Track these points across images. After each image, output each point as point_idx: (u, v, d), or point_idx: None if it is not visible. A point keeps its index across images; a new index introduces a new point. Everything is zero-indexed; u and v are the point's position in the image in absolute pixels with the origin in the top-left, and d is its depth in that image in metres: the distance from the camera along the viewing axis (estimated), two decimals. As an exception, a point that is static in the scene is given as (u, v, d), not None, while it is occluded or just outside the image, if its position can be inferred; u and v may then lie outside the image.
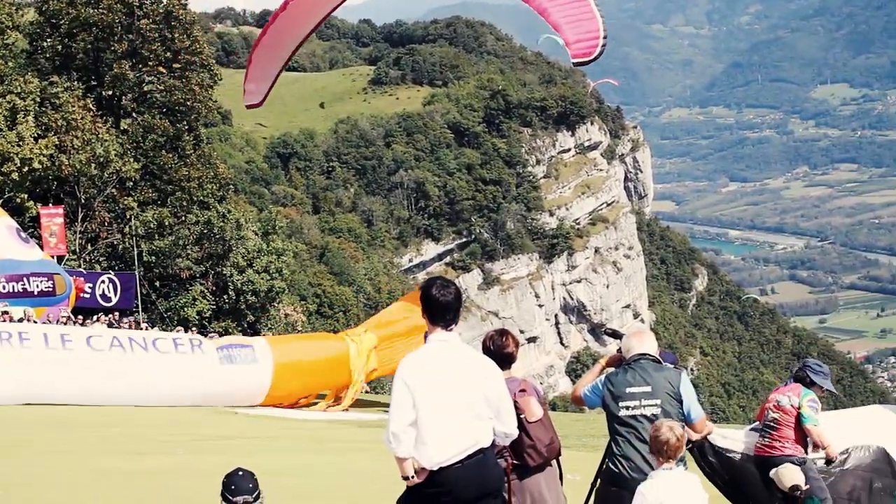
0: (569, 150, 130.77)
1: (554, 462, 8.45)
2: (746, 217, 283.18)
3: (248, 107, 14.34)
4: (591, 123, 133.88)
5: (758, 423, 10.40)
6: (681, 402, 8.42)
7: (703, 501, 7.64)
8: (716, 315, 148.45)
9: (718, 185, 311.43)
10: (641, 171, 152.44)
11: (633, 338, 8.82)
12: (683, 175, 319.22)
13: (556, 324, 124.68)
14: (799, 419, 9.88)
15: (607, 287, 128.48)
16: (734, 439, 10.75)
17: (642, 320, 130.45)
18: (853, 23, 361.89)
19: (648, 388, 8.39)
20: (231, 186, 48.12)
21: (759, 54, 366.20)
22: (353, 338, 27.04)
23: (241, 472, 6.80)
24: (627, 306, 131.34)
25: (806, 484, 9.52)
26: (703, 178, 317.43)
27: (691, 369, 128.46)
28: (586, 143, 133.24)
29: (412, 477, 6.78)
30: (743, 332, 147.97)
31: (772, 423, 10.02)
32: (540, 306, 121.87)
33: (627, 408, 8.43)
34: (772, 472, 9.66)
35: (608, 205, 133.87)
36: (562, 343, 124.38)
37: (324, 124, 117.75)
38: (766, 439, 10.00)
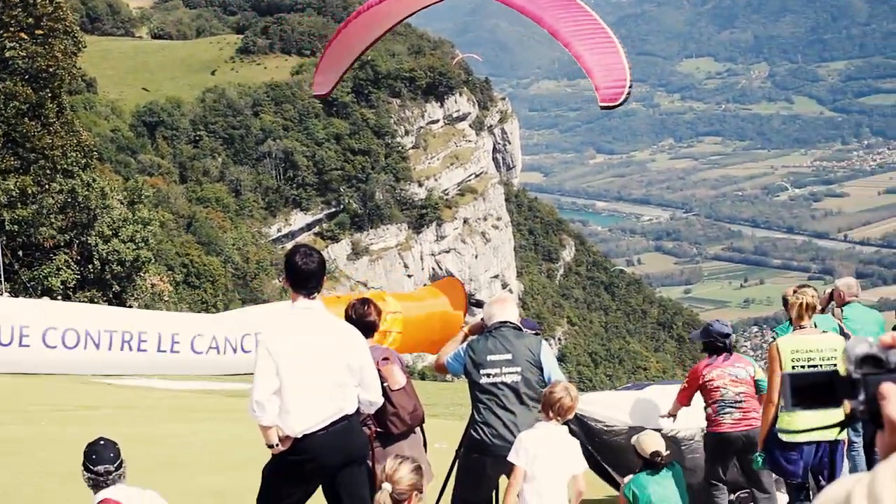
0: (437, 121, 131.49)
1: (418, 430, 8.71)
2: (613, 189, 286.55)
3: (316, 96, 15.32)
4: (460, 95, 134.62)
5: (681, 404, 10.51)
6: (541, 368, 8.66)
7: (579, 462, 8.04)
8: (583, 285, 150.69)
9: (586, 157, 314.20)
10: (510, 143, 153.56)
11: (495, 305, 9.07)
12: (551, 147, 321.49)
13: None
14: (757, 387, 10.07)
15: (476, 257, 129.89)
16: (614, 407, 11.23)
17: (510, 290, 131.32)
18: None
19: (509, 356, 8.63)
20: (96, 155, 47.70)
21: (626, 27, 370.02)
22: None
23: (102, 442, 6.67)
24: (496, 276, 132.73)
25: (667, 450, 9.52)
26: (571, 149, 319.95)
27: (559, 339, 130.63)
28: (455, 115, 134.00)
29: (277, 445, 6.94)
30: (610, 303, 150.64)
31: (740, 398, 10.02)
32: (409, 276, 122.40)
33: (488, 375, 8.66)
34: (633, 439, 9.67)
35: (477, 176, 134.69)
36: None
37: (190, 93, 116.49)
38: (738, 413, 10.02)
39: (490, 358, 8.62)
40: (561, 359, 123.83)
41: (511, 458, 7.90)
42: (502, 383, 8.58)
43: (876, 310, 14.06)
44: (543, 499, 8.01)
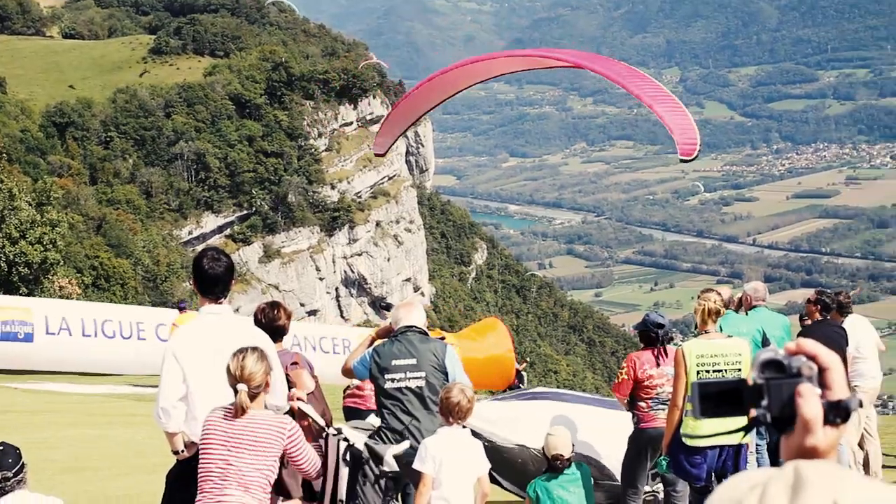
0: (351, 123, 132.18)
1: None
2: (526, 192, 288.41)
3: (376, 155, 16.67)
4: (374, 97, 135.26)
5: (617, 395, 10.75)
6: (446, 374, 8.70)
7: (483, 464, 8.08)
8: (494, 288, 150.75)
9: (499, 161, 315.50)
10: (423, 146, 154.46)
11: (402, 309, 9.09)
12: (465, 150, 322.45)
13: (337, 297, 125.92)
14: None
15: (388, 260, 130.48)
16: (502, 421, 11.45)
17: (422, 293, 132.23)
18: (631, 2, 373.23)
19: (413, 361, 8.66)
20: (4, 156, 47.17)
21: (540, 31, 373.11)
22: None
23: (2, 448, 6.59)
24: (408, 279, 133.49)
25: (573, 452, 9.60)
26: (484, 153, 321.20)
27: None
28: (368, 117, 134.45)
29: (182, 451, 6.94)
30: (521, 306, 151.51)
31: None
32: (321, 279, 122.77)
33: (393, 380, 8.67)
34: (547, 438, 9.61)
35: (389, 178, 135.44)
36: (342, 316, 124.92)
37: (102, 93, 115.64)
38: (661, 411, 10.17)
39: (395, 363, 8.69)
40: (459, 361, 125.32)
41: (417, 465, 7.97)
42: (406, 388, 8.66)
43: (783, 314, 14.29)
44: None
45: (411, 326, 8.81)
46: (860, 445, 14.13)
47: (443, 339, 10.16)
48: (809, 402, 1.87)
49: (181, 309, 24.54)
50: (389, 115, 15.94)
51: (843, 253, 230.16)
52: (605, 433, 11.47)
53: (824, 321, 13.02)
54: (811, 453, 1.86)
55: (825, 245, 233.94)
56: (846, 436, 12.96)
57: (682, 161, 13.44)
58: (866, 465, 14.23)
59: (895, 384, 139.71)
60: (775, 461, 10.77)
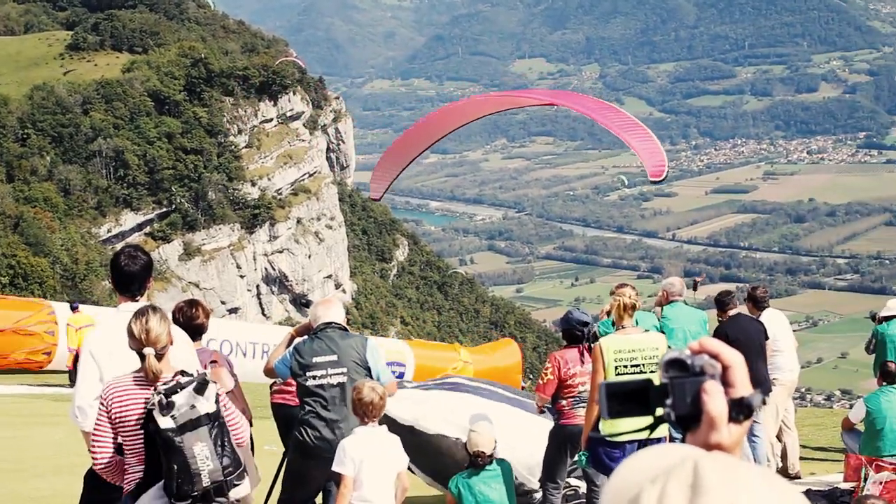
0: (271, 120, 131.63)
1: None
2: (447, 188, 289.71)
3: (372, 199, 17.98)
4: (294, 93, 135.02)
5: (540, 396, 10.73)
6: (368, 369, 8.83)
7: (402, 460, 8.21)
8: (416, 285, 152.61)
9: (420, 157, 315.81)
10: (344, 142, 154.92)
11: (320, 306, 9.20)
12: (385, 146, 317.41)
13: (258, 294, 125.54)
14: None
15: (309, 257, 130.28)
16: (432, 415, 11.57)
17: (344, 290, 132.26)
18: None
19: (334, 357, 8.75)
20: None
21: (460, 27, 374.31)
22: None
23: None
24: (329, 277, 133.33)
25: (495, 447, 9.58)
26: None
27: (393, 338, 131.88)
28: (288, 113, 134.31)
29: None
30: (443, 302, 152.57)
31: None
32: (241, 277, 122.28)
33: (314, 377, 8.74)
34: (470, 435, 9.63)
35: (310, 175, 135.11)
36: (263, 314, 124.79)
37: (18, 90, 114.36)
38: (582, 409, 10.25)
39: (316, 360, 8.77)
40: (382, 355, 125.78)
41: (336, 467, 8.03)
42: (328, 385, 8.73)
43: (702, 309, 14.63)
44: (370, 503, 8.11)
45: (330, 323, 8.93)
46: (778, 437, 14.72)
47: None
48: (714, 400, 1.90)
49: (74, 309, 25.20)
50: (382, 160, 16.99)
51: (761, 247, 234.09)
52: (520, 435, 11.50)
53: (742, 315, 13.50)
54: (717, 450, 1.89)
55: (743, 240, 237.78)
56: (765, 428, 13.85)
57: (653, 182, 14.98)
58: (784, 457, 14.76)
59: (812, 377, 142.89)
60: None
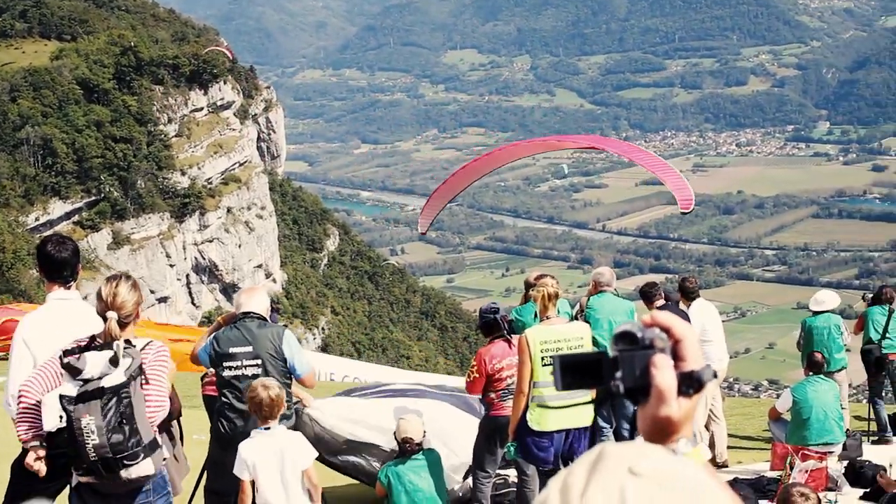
0: (201, 109, 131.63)
1: (175, 423, 8.59)
2: (378, 178, 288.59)
3: (421, 233, 19.37)
4: (225, 83, 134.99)
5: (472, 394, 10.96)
6: (284, 360, 8.81)
7: (305, 458, 8.14)
8: (347, 275, 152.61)
9: (351, 147, 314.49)
10: (275, 132, 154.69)
11: (243, 295, 9.23)
12: (316, 136, 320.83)
13: (188, 284, 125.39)
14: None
15: (239, 247, 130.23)
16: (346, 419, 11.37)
17: (274, 280, 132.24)
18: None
19: (250, 348, 8.73)
20: None
21: (392, 18, 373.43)
22: None
23: None
24: (259, 266, 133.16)
25: (424, 436, 9.76)
26: (336, 139, 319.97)
27: (322, 329, 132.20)
28: (219, 103, 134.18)
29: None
30: (373, 292, 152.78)
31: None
32: (171, 266, 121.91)
33: (231, 368, 8.78)
34: (398, 422, 9.85)
35: (241, 165, 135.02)
36: (193, 303, 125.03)
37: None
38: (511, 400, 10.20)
39: (232, 350, 8.78)
40: (324, 348, 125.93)
41: (236, 472, 8.07)
42: (244, 376, 8.73)
43: (631, 299, 14.35)
44: None
45: (249, 313, 8.93)
46: (706, 427, 14.87)
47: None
48: (663, 374, 1.91)
49: None
50: (430, 199, 18.57)
51: (691, 239, 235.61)
52: (449, 433, 11.46)
53: (669, 306, 13.70)
54: (666, 423, 1.92)
55: (673, 231, 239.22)
56: (694, 418, 14.78)
57: (683, 213, 16.87)
58: (712, 446, 14.95)
59: (740, 367, 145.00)
60: (634, 433, 10.12)
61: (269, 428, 8.03)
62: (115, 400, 6.57)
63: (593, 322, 12.15)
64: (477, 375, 10.52)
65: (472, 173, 19.21)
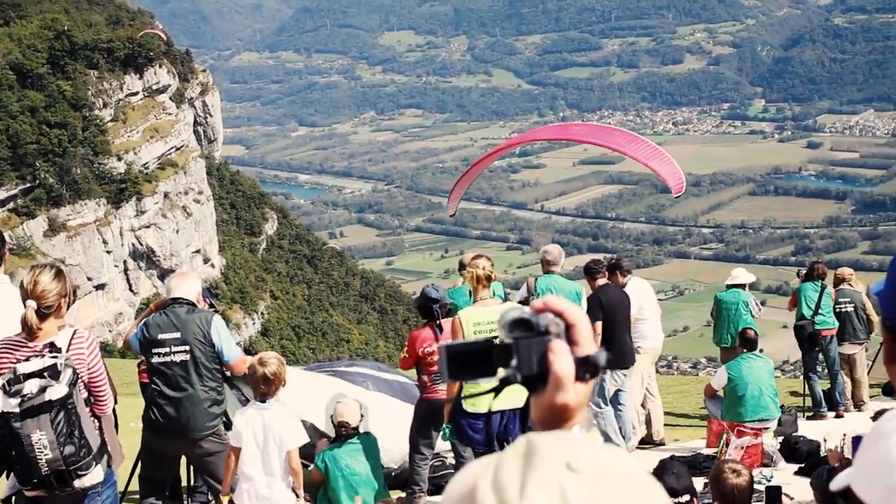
0: (137, 93, 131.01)
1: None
2: (315, 161, 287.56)
3: (451, 215, 20.33)
4: (160, 66, 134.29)
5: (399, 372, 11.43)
6: (213, 346, 8.83)
7: (290, 440, 8.29)
8: (286, 259, 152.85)
9: (288, 130, 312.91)
10: (211, 116, 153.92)
11: (174, 280, 9.27)
12: (253, 119, 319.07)
13: (125, 270, 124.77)
14: None
15: (177, 232, 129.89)
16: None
17: (212, 265, 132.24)
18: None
19: (178, 334, 8.72)
20: None
21: (328, 0, 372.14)
22: None
23: None
24: (198, 251, 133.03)
25: (361, 420, 9.89)
26: (273, 122, 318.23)
27: (262, 313, 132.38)
28: (155, 87, 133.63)
29: None
30: (313, 275, 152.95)
31: None
32: (108, 252, 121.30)
33: (159, 354, 8.78)
34: (335, 406, 9.98)
35: (177, 149, 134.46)
36: (131, 290, 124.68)
37: None
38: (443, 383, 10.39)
39: (161, 336, 8.78)
40: (264, 333, 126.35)
41: (230, 437, 8.46)
42: (172, 362, 8.74)
43: (571, 279, 14.45)
44: (254, 482, 8.31)
45: (178, 298, 8.93)
46: (643, 405, 15.05)
47: None
48: (561, 359, 1.90)
49: None
50: (456, 189, 19.49)
51: (629, 218, 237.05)
52: (401, 424, 11.63)
53: (610, 285, 13.86)
54: (563, 410, 1.91)
55: (611, 210, 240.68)
56: (630, 396, 14.24)
57: (676, 197, 17.27)
58: (648, 424, 15.18)
59: (678, 345, 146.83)
60: (525, 424, 13.08)
61: (263, 402, 8.32)
62: (63, 413, 6.62)
63: None
64: (406, 355, 10.81)
65: (490, 159, 20.66)
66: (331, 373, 13.23)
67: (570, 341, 1.95)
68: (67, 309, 7.14)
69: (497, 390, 1.81)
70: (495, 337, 1.89)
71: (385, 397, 12.64)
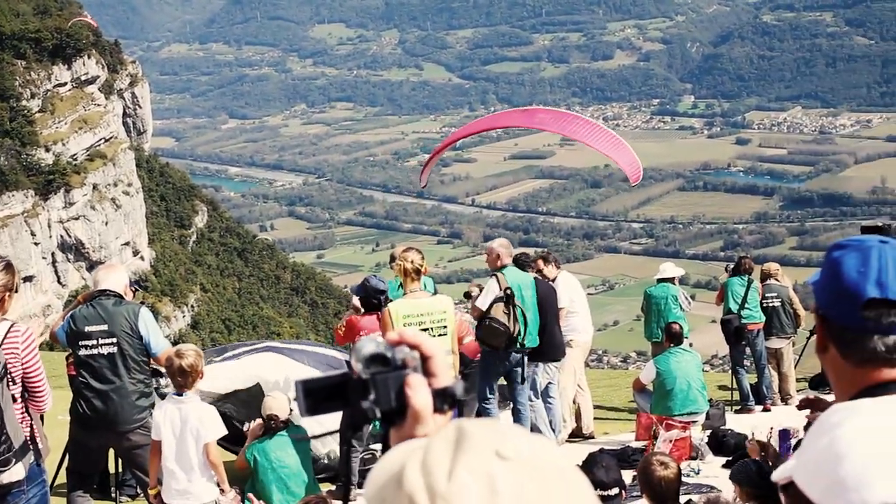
0: (65, 83, 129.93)
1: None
2: (246, 154, 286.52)
3: (422, 187, 20.72)
4: (89, 57, 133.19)
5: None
6: (140, 338, 8.74)
7: (208, 432, 8.28)
8: (216, 251, 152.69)
9: (218, 122, 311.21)
10: (141, 107, 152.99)
11: (101, 272, 9.17)
12: (183, 111, 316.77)
13: (54, 262, 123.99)
14: None
15: (106, 224, 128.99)
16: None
17: (142, 258, 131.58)
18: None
19: (105, 326, 8.63)
20: None
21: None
22: None
23: None
24: (127, 244, 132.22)
25: (290, 413, 9.85)
26: (203, 114, 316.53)
27: (192, 306, 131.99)
28: (83, 77, 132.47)
29: None
30: (243, 268, 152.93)
31: None
32: (36, 244, 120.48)
33: (86, 347, 8.68)
34: (264, 400, 10.00)
35: (106, 140, 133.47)
36: (59, 282, 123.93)
37: None
38: None
39: (87, 329, 8.69)
40: (194, 326, 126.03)
41: (151, 433, 8.38)
42: (99, 355, 8.66)
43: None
44: (175, 475, 8.26)
45: (105, 290, 8.85)
46: (573, 399, 15.15)
47: None
48: (419, 393, 1.91)
49: None
50: (430, 160, 19.79)
51: (559, 212, 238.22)
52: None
53: (539, 280, 13.67)
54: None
55: (542, 205, 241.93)
56: (561, 390, 14.42)
57: (633, 185, 17.60)
58: (578, 418, 15.28)
59: (609, 339, 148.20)
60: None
61: (180, 395, 8.25)
62: None
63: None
64: (340, 333, 11.23)
65: (460, 136, 21.91)
66: (259, 349, 13.23)
67: (428, 373, 1.95)
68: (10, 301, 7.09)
69: (355, 426, 1.82)
70: (352, 371, 1.94)
71: (310, 369, 12.36)
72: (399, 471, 1.63)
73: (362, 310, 10.86)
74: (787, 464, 2.59)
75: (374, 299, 10.85)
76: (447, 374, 1.99)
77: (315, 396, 1.94)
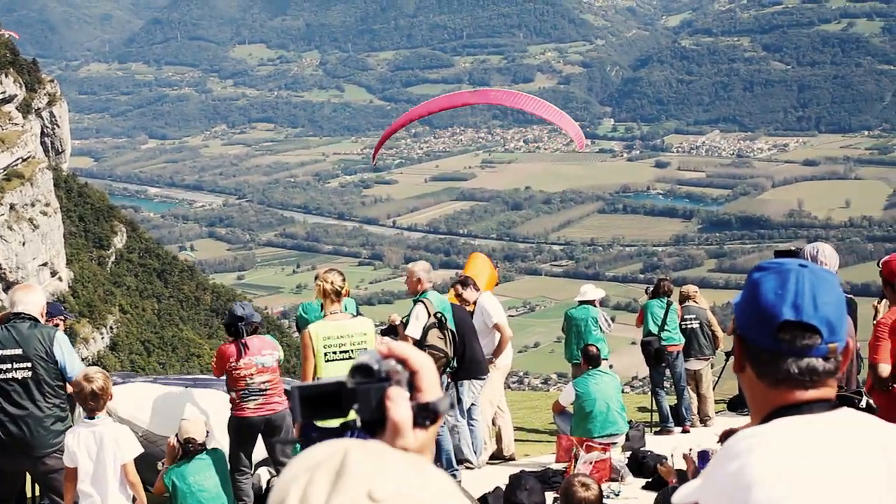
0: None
1: None
2: (166, 174, 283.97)
3: (374, 166, 22.07)
4: (6, 76, 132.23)
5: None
6: (56, 362, 8.61)
7: (124, 452, 8.24)
8: (135, 272, 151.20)
9: (138, 142, 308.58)
10: (59, 127, 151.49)
11: (17, 292, 8.97)
12: (102, 131, 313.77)
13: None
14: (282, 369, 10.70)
15: (23, 245, 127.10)
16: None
17: (60, 279, 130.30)
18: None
19: (19, 350, 8.49)
20: None
21: (179, 12, 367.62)
22: None
23: None
24: (45, 264, 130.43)
25: (207, 436, 9.82)
26: (123, 134, 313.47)
27: (111, 328, 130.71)
28: (1, 96, 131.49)
29: None
30: (163, 289, 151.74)
31: (265, 387, 10.57)
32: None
33: (1, 371, 8.54)
34: (181, 423, 9.82)
35: (24, 160, 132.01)
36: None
37: None
38: (262, 399, 10.58)
39: (1, 352, 8.54)
40: (113, 347, 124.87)
41: (64, 459, 8.23)
42: (13, 379, 8.51)
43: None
44: (93, 499, 8.15)
45: (20, 313, 8.71)
46: (493, 422, 15.11)
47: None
48: (398, 407, 1.95)
49: None
50: (382, 140, 21.38)
51: (480, 234, 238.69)
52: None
53: (456, 305, 13.54)
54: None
55: (462, 227, 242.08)
56: (482, 412, 14.40)
57: (579, 151, 19.75)
58: (499, 439, 15.21)
59: (529, 361, 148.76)
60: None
61: (92, 419, 8.20)
62: None
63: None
64: (215, 366, 11.02)
65: (413, 116, 22.67)
66: (185, 383, 12.90)
67: (413, 387, 1.99)
68: None
69: (340, 434, 1.82)
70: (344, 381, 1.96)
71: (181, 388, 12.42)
72: (283, 499, 1.68)
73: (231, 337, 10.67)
74: (689, 486, 2.62)
75: (232, 326, 10.80)
76: (434, 389, 2.01)
77: (310, 403, 2.00)
